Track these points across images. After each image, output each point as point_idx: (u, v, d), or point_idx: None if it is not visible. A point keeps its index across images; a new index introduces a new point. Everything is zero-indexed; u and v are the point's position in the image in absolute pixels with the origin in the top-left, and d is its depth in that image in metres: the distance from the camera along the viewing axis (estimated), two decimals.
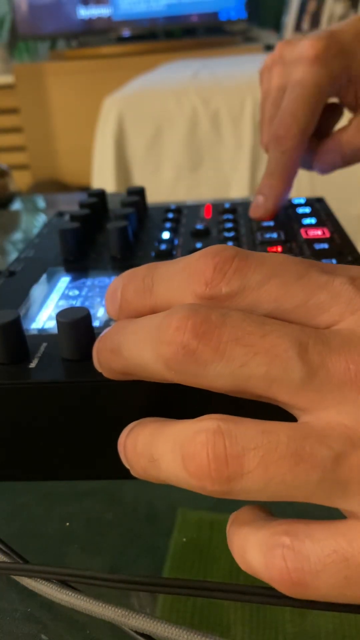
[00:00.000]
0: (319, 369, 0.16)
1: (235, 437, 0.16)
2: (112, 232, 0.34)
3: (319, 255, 0.32)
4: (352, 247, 0.32)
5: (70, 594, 0.21)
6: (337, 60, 0.36)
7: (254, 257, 0.19)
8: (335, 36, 0.36)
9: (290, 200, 0.42)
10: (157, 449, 0.18)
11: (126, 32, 2.57)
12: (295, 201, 0.41)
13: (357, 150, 0.39)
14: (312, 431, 0.16)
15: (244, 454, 0.16)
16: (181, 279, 0.19)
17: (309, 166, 0.41)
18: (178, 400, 0.22)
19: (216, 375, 0.17)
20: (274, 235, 0.35)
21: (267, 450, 0.16)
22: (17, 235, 0.69)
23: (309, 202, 0.41)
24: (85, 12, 2.56)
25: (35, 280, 0.32)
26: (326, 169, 0.40)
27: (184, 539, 0.26)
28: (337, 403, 0.16)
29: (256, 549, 0.17)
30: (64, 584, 0.21)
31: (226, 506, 0.27)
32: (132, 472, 0.20)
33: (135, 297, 0.20)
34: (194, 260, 0.19)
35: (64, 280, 0.32)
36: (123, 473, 0.20)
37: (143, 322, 0.19)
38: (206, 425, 0.17)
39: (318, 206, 0.40)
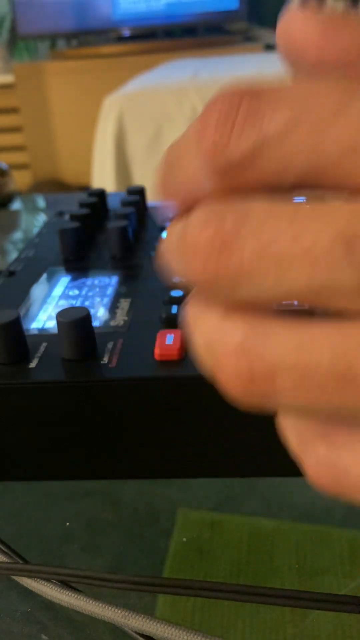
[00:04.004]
0: None
1: (262, 355, 0.13)
2: (112, 232, 0.34)
3: None
4: None
5: (70, 594, 0.21)
6: None
7: (269, 92, 0.14)
8: None
9: None
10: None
11: (126, 32, 2.57)
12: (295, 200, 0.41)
13: None
14: None
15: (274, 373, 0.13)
16: (194, 155, 0.14)
17: None
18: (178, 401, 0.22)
19: (248, 296, 0.14)
20: None
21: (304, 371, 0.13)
22: (17, 235, 0.69)
23: None
24: (85, 12, 2.55)
25: (35, 280, 0.32)
26: None
27: (184, 539, 0.26)
28: None
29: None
30: (64, 584, 0.21)
31: (226, 507, 0.27)
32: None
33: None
34: (196, 120, 0.14)
35: (64, 280, 0.32)
36: (124, 473, 0.20)
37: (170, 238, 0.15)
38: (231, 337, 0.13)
39: None
